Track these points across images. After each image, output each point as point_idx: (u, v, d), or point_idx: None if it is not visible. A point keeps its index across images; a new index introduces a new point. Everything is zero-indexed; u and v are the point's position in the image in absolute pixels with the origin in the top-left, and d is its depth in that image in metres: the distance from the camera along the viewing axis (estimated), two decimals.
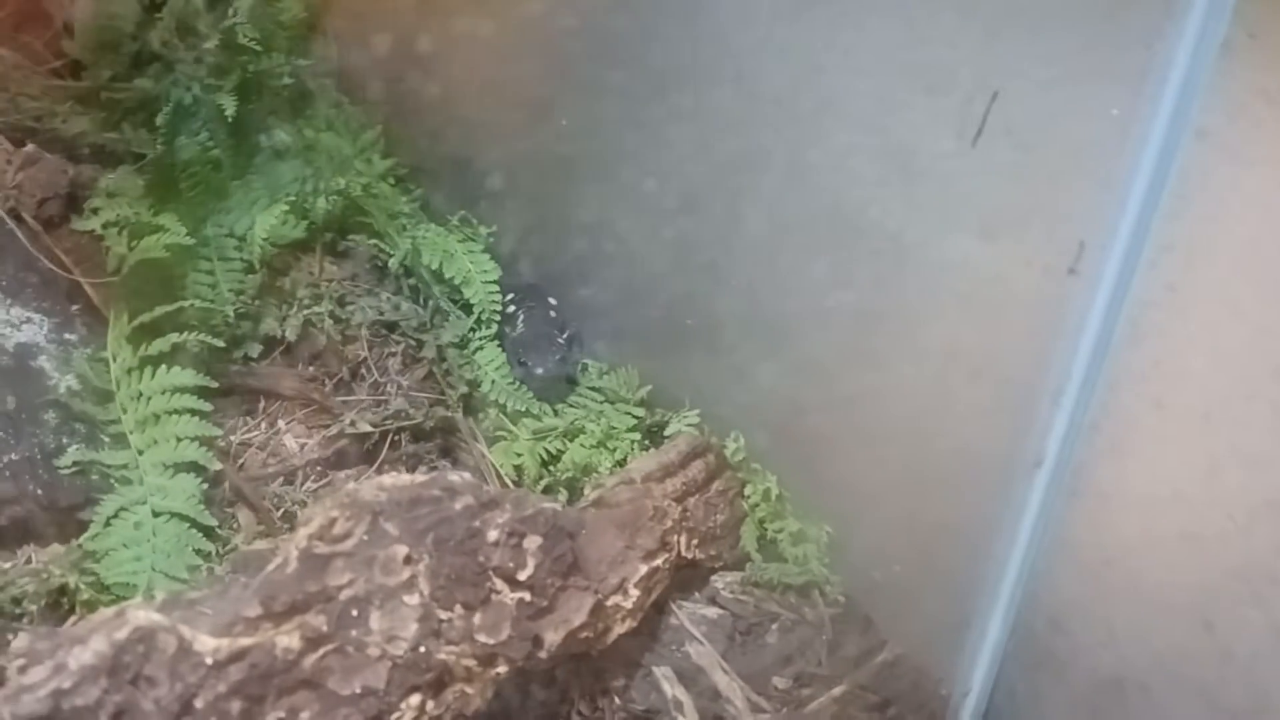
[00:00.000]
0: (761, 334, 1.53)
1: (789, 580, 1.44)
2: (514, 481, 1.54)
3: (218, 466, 1.40)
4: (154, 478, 1.36)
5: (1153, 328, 1.16)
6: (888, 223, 1.32)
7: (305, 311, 1.61)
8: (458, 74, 1.91)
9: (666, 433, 1.57)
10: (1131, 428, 1.20)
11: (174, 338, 1.44)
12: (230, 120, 1.63)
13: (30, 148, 1.72)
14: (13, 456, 1.31)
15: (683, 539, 1.37)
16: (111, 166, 1.75)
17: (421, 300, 1.74)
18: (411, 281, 1.75)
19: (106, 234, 1.64)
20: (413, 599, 1.11)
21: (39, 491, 1.30)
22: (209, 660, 0.99)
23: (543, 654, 1.18)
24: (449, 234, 1.77)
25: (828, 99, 1.34)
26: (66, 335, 1.50)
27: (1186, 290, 1.13)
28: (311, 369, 1.63)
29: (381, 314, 1.64)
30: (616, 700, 1.29)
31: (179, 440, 1.39)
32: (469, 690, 1.13)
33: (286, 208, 1.64)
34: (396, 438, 1.53)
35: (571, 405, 1.69)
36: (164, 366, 1.43)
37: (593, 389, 1.70)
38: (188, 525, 1.34)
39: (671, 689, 1.30)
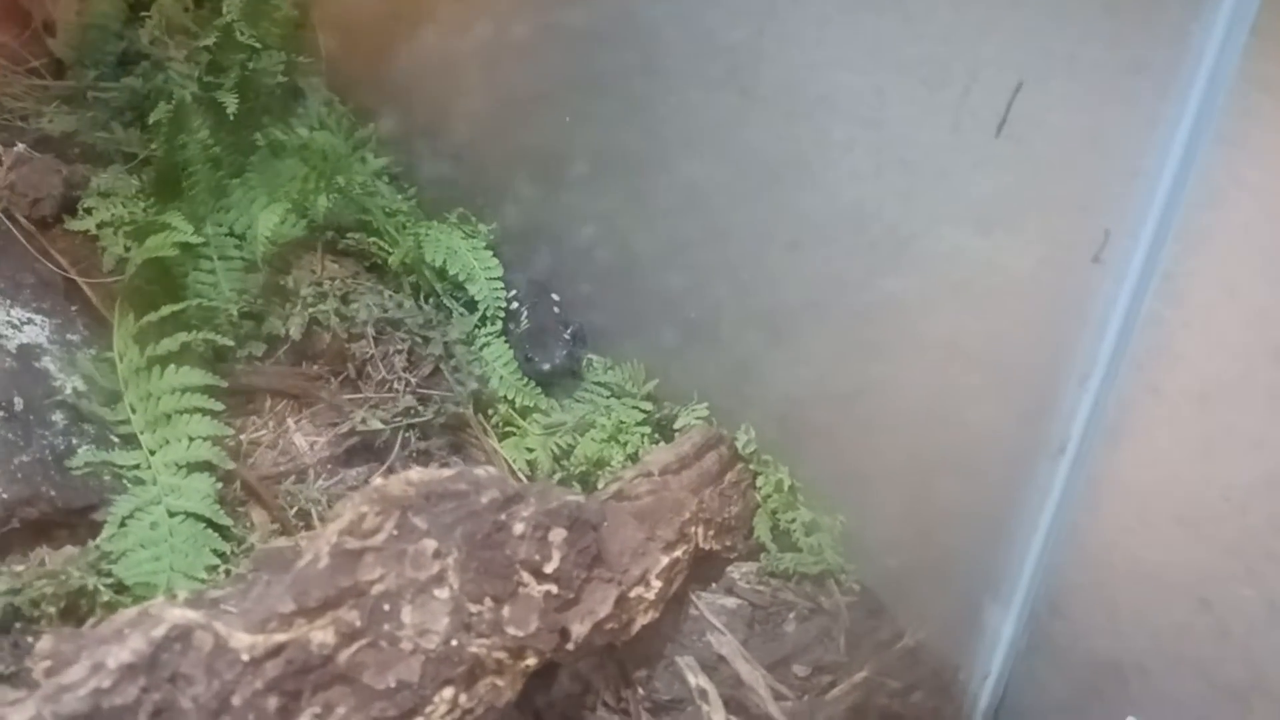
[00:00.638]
0: (767, 327, 1.54)
1: (804, 569, 1.46)
2: (527, 476, 1.54)
3: (230, 465, 1.39)
4: (167, 477, 1.35)
5: (1149, 314, 1.17)
6: (889, 214, 1.33)
7: (310, 309, 1.59)
8: (450, 71, 1.91)
9: (676, 426, 1.58)
10: (1128, 413, 1.22)
11: (182, 337, 1.43)
12: (232, 119, 1.61)
13: (21, 148, 1.70)
14: (23, 458, 1.29)
15: (700, 530, 1.38)
16: (102, 166, 1.73)
17: (422, 298, 1.73)
18: (412, 279, 1.75)
19: (102, 234, 1.62)
20: (443, 593, 1.11)
21: (52, 493, 1.28)
22: (245, 657, 0.99)
23: (570, 646, 1.19)
24: (452, 231, 1.77)
25: (823, 94, 1.36)
26: (69, 336, 1.48)
27: (1182, 276, 1.14)
28: (316, 367, 1.62)
29: (386, 311, 1.63)
30: (640, 691, 1.30)
31: (191, 440, 1.38)
32: (500, 683, 1.14)
33: (289, 206, 1.63)
34: (406, 435, 1.53)
35: (578, 400, 1.70)
36: (173, 366, 1.41)
37: (598, 384, 1.70)
38: (204, 525, 1.33)
39: (695, 678, 1.31)
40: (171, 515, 1.32)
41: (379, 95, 1.96)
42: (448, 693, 1.08)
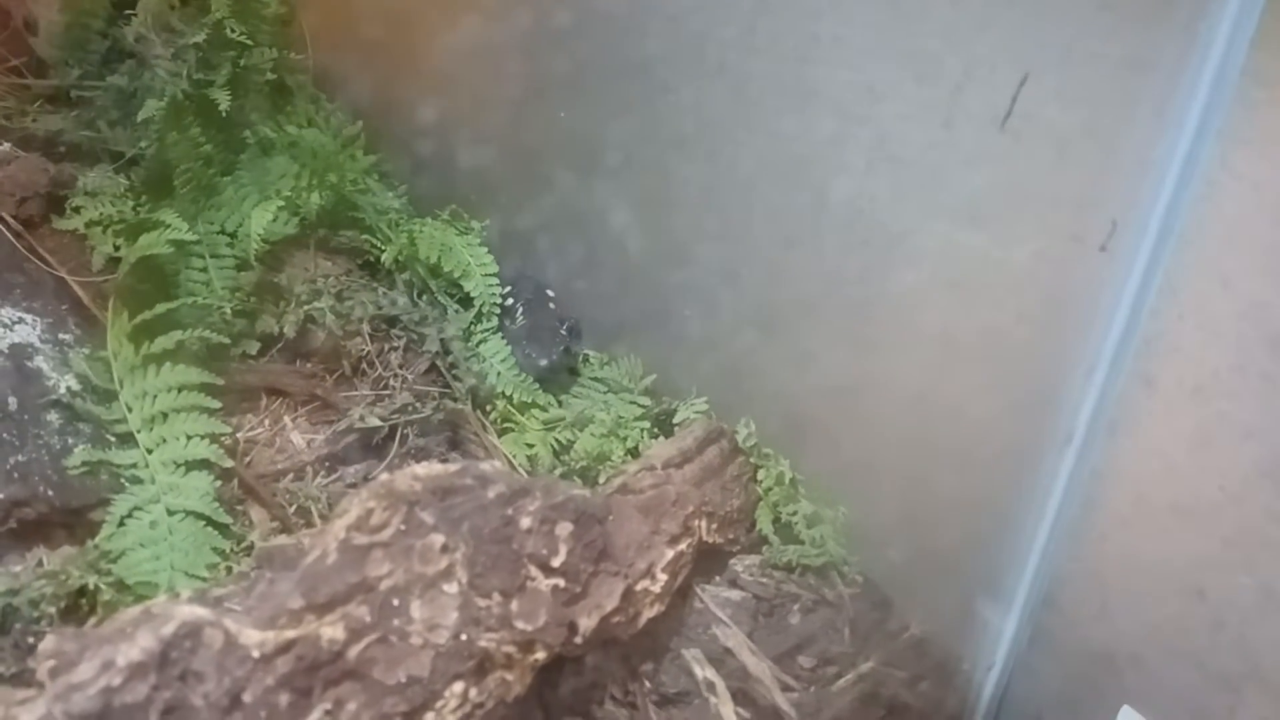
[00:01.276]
0: (764, 322, 1.54)
1: (807, 561, 1.46)
2: (528, 472, 1.54)
3: (229, 463, 1.38)
4: (165, 476, 1.33)
5: (1143, 306, 1.18)
6: (882, 210, 1.34)
7: (304, 307, 1.58)
8: (440, 68, 1.90)
9: (675, 421, 1.58)
10: (1122, 404, 1.23)
11: (177, 335, 1.42)
12: (223, 116, 1.60)
13: (7, 146, 1.69)
14: (19, 458, 1.28)
15: (703, 523, 1.38)
16: (89, 165, 1.71)
17: (416, 295, 1.73)
18: (406, 276, 1.74)
19: (90, 233, 1.61)
20: (452, 587, 1.11)
21: (49, 493, 1.27)
22: (255, 653, 0.98)
23: (578, 639, 1.19)
24: (445, 228, 1.76)
25: (815, 91, 1.36)
26: (61, 335, 1.46)
27: (1176, 269, 1.15)
28: (311, 365, 1.61)
29: (381, 308, 1.63)
30: (648, 684, 1.30)
31: (189, 438, 1.37)
32: (509, 677, 1.13)
33: (281, 203, 1.61)
34: (405, 432, 1.52)
35: (575, 396, 1.69)
36: (168, 364, 1.40)
37: (595, 379, 1.71)
38: (203, 523, 1.31)
39: (702, 670, 1.31)
40: (171, 514, 1.31)
41: (367, 93, 1.95)
42: (458, 687, 1.08)
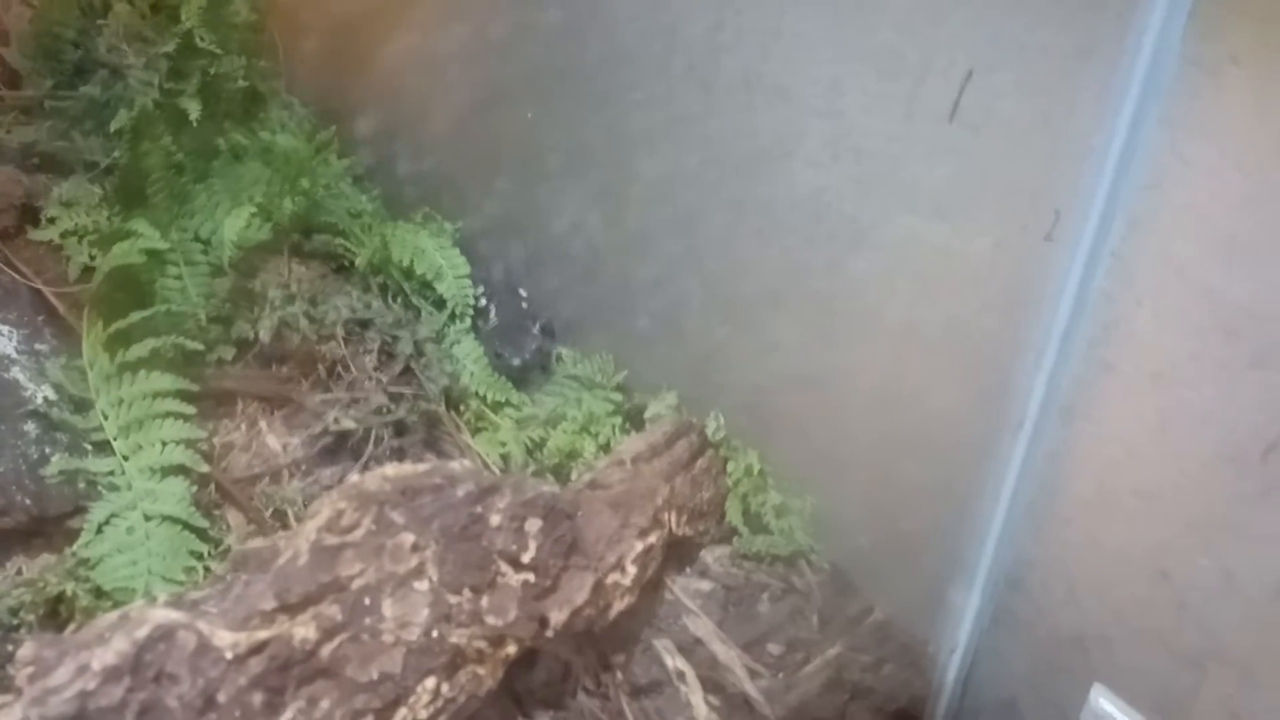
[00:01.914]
0: (733, 316, 1.56)
1: (776, 551, 1.49)
2: (501, 470, 1.56)
3: (205, 468, 1.40)
4: (142, 482, 1.36)
5: (1100, 293, 1.20)
6: (847, 203, 1.36)
7: (278, 312, 1.60)
8: (411, 70, 1.91)
9: (646, 415, 1.60)
10: (1085, 390, 1.25)
11: (152, 342, 1.43)
12: (194, 124, 1.62)
13: None
14: None
15: (673, 516, 1.40)
16: (63, 176, 1.72)
17: (390, 297, 1.75)
18: (379, 279, 1.76)
19: (65, 243, 1.62)
20: (422, 585, 1.13)
21: (27, 502, 1.29)
22: (229, 654, 1.00)
23: (549, 633, 1.21)
24: (418, 230, 1.78)
25: (781, 86, 1.38)
26: (37, 345, 1.48)
27: (1131, 255, 1.16)
28: (286, 369, 1.63)
29: (354, 312, 1.65)
30: (620, 675, 1.32)
31: (165, 444, 1.39)
32: (480, 671, 1.16)
33: (255, 210, 1.63)
34: (380, 433, 1.54)
35: (548, 394, 1.71)
36: (144, 371, 1.42)
37: (569, 377, 1.72)
38: (180, 528, 1.34)
39: (673, 660, 1.33)
40: (148, 519, 1.33)
41: (339, 98, 1.97)
42: (430, 683, 1.10)
